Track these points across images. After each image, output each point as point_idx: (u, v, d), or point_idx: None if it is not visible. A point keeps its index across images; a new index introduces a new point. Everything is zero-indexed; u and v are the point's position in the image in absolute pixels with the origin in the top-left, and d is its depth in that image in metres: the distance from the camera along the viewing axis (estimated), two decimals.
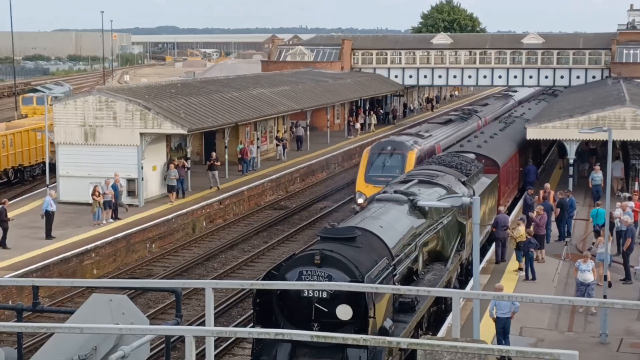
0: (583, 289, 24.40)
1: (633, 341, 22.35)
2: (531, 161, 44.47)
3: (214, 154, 43.19)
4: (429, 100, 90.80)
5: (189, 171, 42.03)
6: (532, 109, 59.32)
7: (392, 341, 8.20)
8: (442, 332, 22.31)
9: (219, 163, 42.85)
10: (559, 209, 33.45)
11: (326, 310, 17.40)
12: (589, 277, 24.34)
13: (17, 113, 69.72)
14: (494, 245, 31.77)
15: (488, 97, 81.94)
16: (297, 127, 59.01)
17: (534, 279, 27.91)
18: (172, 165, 39.93)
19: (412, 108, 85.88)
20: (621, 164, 43.10)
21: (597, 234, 30.60)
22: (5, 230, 31.81)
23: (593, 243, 31.09)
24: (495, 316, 21.54)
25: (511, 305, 21.32)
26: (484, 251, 30.56)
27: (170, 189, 39.63)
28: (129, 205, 37.95)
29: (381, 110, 78.41)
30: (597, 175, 38.38)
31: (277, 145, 53.51)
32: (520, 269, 28.97)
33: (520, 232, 29.20)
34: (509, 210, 36.50)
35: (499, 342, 21.38)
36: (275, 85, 57.05)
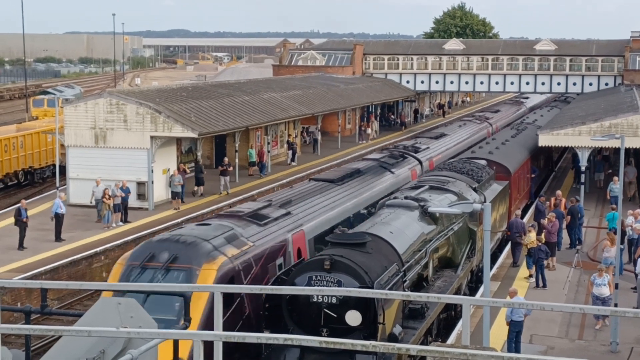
0: (599, 303, 23.61)
1: None
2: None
3: (226, 159, 43.12)
4: (440, 106, 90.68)
5: (202, 175, 42.06)
6: (544, 115, 59.15)
7: (402, 348, 8.11)
8: (451, 339, 22.20)
9: (231, 168, 42.82)
10: (569, 217, 33.33)
11: (335, 315, 17.35)
12: (605, 291, 23.54)
13: (27, 115, 69.90)
14: (509, 246, 31.86)
15: (449, 124, 60.36)
16: (315, 130, 59.10)
17: (544, 286, 27.77)
18: (175, 171, 39.50)
19: (422, 114, 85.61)
20: (634, 169, 43.02)
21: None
22: (22, 230, 31.83)
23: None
24: (510, 319, 21.39)
25: None
26: (494, 258, 30.45)
27: (174, 195, 39.01)
28: (138, 208, 37.95)
29: (392, 116, 78.28)
30: (615, 187, 37.20)
31: (288, 150, 53.43)
32: (530, 275, 28.84)
33: (531, 238, 29.08)
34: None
35: (511, 347, 21.28)
36: (287, 89, 57.05)
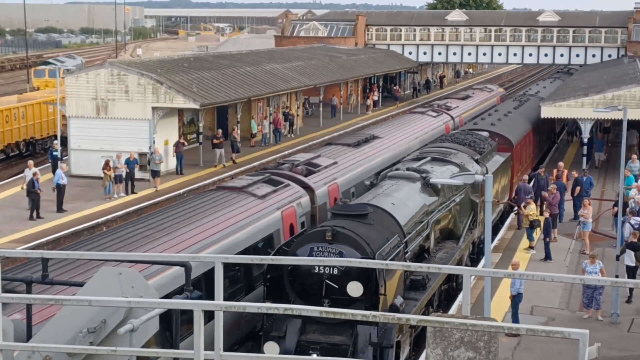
0: (590, 292, 21.99)
1: None
2: None
3: (219, 131, 42.92)
4: (441, 78, 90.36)
5: (201, 146, 42.00)
6: (546, 87, 58.95)
7: (402, 318, 8.13)
8: (452, 310, 22.27)
9: (223, 139, 42.38)
10: (578, 187, 33.24)
11: (337, 286, 17.38)
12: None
13: (29, 85, 69.75)
14: (510, 216, 32.11)
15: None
16: (332, 97, 61.19)
17: (548, 258, 27.74)
18: (157, 149, 37.82)
19: (422, 85, 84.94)
20: (636, 132, 43.09)
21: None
22: (34, 201, 31.91)
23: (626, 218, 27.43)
24: (517, 292, 21.38)
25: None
26: (496, 230, 30.48)
27: (154, 174, 36.86)
28: (140, 179, 37.92)
29: (395, 87, 77.85)
30: (634, 165, 36.31)
31: (285, 121, 52.69)
32: (531, 247, 28.87)
33: (532, 210, 29.13)
34: None
35: (516, 320, 21.29)
36: (289, 60, 56.83)
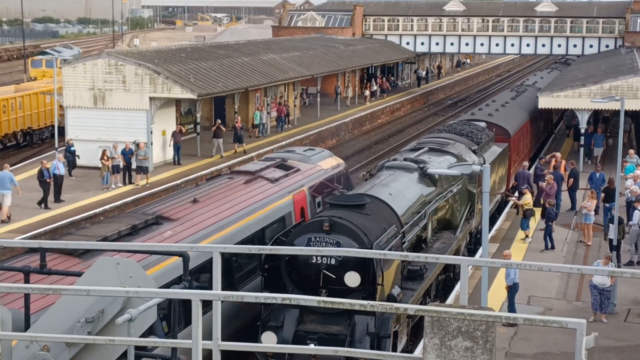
0: (597, 295, 21.27)
1: None
2: None
3: (219, 120, 42.89)
4: (439, 68, 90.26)
5: (198, 136, 41.97)
6: (544, 77, 58.88)
7: (400, 307, 8.13)
8: (449, 300, 22.31)
9: (224, 129, 42.38)
10: (572, 179, 33.30)
11: (334, 277, 17.40)
12: (606, 281, 21.01)
13: (26, 76, 69.61)
14: (508, 206, 32.24)
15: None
16: (336, 85, 62.10)
17: (552, 247, 27.76)
18: (142, 144, 36.67)
19: (423, 76, 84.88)
20: (630, 119, 43.11)
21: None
22: (45, 191, 31.96)
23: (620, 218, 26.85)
24: (513, 282, 21.41)
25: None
26: (493, 220, 30.52)
27: (140, 170, 35.93)
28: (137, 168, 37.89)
29: (392, 78, 77.77)
30: (632, 161, 35.54)
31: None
32: (527, 236, 28.92)
33: (527, 200, 29.16)
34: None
35: (513, 309, 21.34)
36: (286, 50, 56.77)
